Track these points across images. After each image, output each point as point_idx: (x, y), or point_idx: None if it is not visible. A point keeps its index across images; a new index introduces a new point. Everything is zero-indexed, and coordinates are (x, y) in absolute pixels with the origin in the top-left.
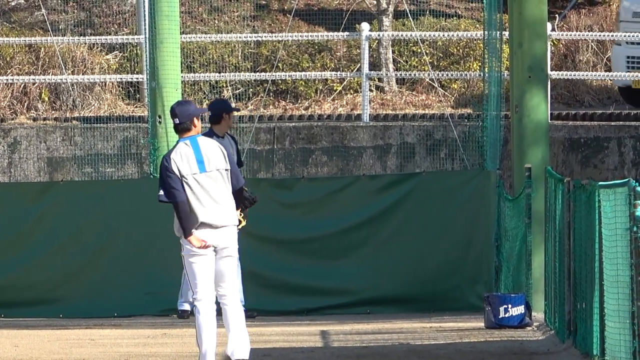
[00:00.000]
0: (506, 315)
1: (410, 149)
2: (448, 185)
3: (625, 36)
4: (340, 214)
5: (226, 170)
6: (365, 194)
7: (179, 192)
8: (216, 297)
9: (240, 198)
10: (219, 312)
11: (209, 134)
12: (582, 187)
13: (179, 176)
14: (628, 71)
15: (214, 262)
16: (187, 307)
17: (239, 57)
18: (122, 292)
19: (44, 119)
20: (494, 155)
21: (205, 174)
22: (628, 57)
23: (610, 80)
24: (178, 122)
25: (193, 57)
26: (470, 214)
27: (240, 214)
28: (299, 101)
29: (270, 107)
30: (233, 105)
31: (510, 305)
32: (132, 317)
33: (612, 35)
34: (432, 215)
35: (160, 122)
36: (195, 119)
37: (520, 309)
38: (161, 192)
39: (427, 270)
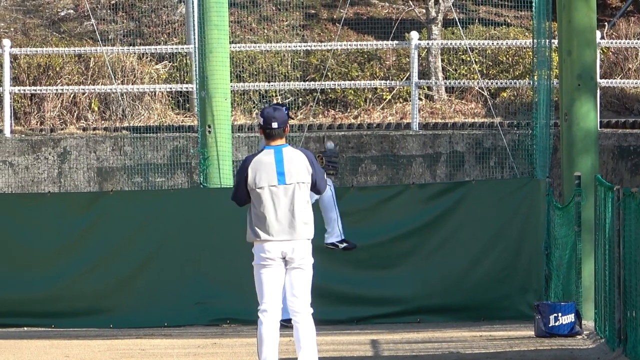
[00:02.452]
0: (556, 324)
1: (460, 158)
2: (498, 194)
3: None
4: (389, 222)
5: (306, 184)
6: (415, 203)
7: (241, 199)
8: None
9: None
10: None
11: None
12: (631, 195)
13: (250, 187)
14: None
15: (283, 274)
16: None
17: (288, 67)
18: (172, 302)
19: (94, 129)
20: (544, 164)
21: (284, 186)
22: None
23: None
24: (276, 126)
25: (242, 67)
26: (520, 223)
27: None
28: (349, 110)
29: (320, 116)
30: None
31: (560, 314)
32: (183, 327)
33: None
34: (481, 223)
35: (210, 132)
36: (288, 125)
37: (571, 318)
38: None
39: (477, 279)
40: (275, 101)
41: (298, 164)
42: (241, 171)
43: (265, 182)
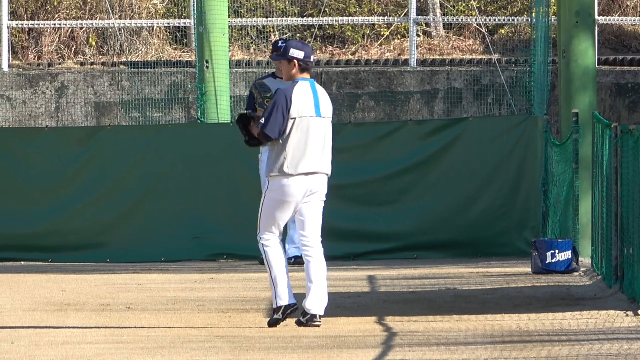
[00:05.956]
0: (553, 261)
1: (458, 95)
2: (495, 131)
3: None
4: (387, 159)
5: (331, 119)
6: (412, 139)
7: (279, 130)
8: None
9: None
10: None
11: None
12: (629, 133)
13: (293, 117)
14: None
15: (296, 209)
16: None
17: (287, 2)
18: (169, 237)
19: (92, 64)
20: (542, 101)
21: (320, 118)
22: None
23: None
24: (310, 60)
25: (240, 2)
26: (517, 160)
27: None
28: (346, 46)
29: (318, 52)
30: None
31: (557, 251)
32: (180, 262)
33: None
34: (479, 160)
35: (207, 67)
36: None
37: (568, 255)
38: (262, 121)
39: (474, 216)
40: (273, 38)
41: (327, 99)
42: (281, 100)
43: (307, 112)
